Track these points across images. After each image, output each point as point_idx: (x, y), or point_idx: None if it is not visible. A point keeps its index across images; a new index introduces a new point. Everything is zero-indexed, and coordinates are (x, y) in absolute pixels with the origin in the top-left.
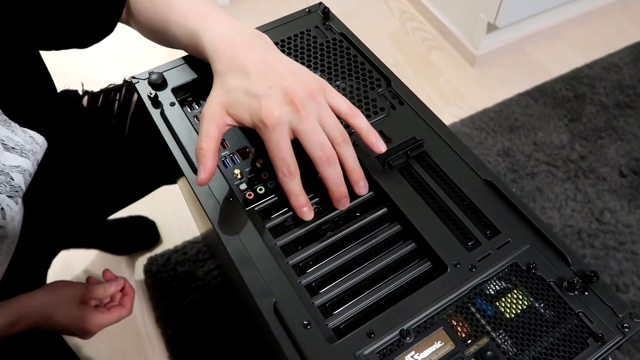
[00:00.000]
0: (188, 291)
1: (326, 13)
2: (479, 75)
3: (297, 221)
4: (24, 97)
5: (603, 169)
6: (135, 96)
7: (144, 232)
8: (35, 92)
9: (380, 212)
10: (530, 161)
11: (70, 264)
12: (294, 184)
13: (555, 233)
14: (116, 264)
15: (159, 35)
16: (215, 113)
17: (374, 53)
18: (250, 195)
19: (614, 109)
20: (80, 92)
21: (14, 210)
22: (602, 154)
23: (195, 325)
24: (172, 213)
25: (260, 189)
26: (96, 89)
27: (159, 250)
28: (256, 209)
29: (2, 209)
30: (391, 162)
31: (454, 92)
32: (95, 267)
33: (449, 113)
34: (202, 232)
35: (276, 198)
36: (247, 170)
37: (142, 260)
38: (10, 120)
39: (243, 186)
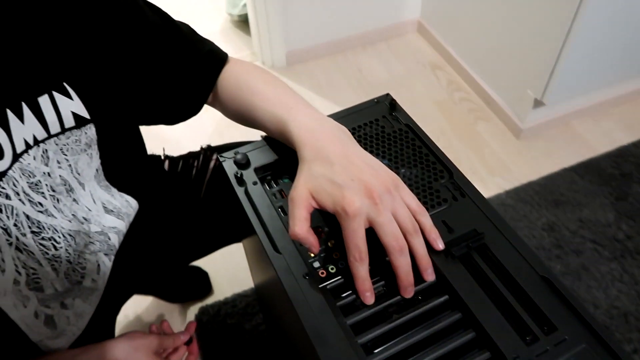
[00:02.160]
0: (236, 344)
1: (393, 105)
2: (524, 148)
3: None
4: (124, 166)
5: None
6: (212, 164)
7: (197, 282)
8: (133, 161)
9: (442, 299)
10: (576, 238)
11: (125, 309)
12: (362, 269)
13: (612, 334)
14: (169, 311)
15: (243, 117)
16: (303, 196)
17: (436, 144)
18: (322, 273)
19: None
20: (162, 157)
21: (107, 266)
22: None
23: None
24: (224, 266)
25: (332, 268)
26: (160, 143)
27: (209, 300)
28: (328, 287)
29: (99, 265)
30: (453, 252)
31: (499, 163)
32: (149, 313)
33: (493, 184)
34: (256, 284)
35: (347, 278)
36: (320, 249)
37: (194, 309)
38: (111, 186)
39: (316, 264)
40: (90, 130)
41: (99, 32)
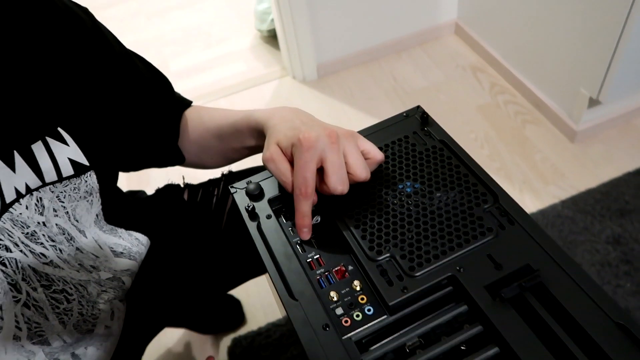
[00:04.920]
0: None
1: (425, 118)
2: (580, 152)
3: (398, 356)
4: (125, 206)
5: None
6: None
7: (229, 312)
8: (135, 199)
9: (491, 353)
10: None
11: (157, 341)
12: (305, 205)
13: None
14: (202, 343)
15: (217, 147)
16: (275, 151)
17: (478, 163)
18: (346, 322)
19: None
20: (182, 185)
21: (121, 310)
22: None
23: None
24: (257, 293)
25: (357, 315)
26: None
27: (243, 331)
28: (353, 338)
29: (113, 312)
30: (503, 294)
31: (552, 170)
32: (181, 345)
33: (547, 193)
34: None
35: (375, 327)
36: (343, 292)
37: (227, 341)
38: (116, 228)
39: (339, 311)
40: (91, 179)
41: (89, 76)
